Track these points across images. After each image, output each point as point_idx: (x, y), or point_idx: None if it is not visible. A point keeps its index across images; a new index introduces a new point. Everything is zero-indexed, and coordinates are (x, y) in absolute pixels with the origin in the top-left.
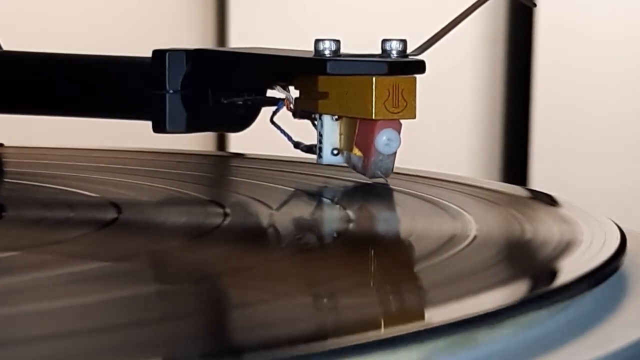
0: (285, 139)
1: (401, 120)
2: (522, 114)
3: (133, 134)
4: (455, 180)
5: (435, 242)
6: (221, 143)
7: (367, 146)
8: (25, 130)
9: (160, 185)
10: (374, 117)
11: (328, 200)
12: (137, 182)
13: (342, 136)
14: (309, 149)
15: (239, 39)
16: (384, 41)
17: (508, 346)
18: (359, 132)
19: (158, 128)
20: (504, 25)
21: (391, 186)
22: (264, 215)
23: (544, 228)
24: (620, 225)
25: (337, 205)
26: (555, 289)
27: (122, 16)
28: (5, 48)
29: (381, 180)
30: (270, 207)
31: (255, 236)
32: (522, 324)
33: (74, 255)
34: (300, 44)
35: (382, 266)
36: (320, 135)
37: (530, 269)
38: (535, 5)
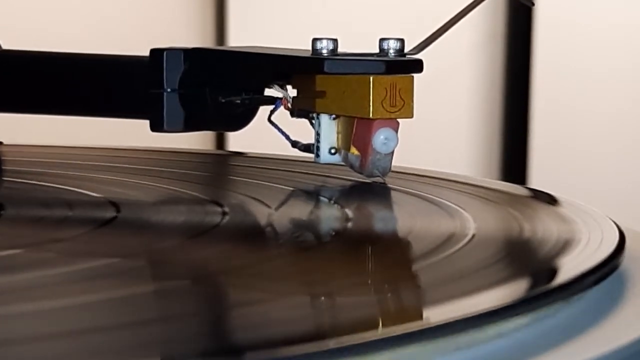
0: (283, 138)
1: (399, 119)
2: (521, 112)
3: (131, 133)
4: (454, 179)
5: (434, 241)
6: (220, 142)
7: (364, 145)
8: (24, 128)
9: (158, 184)
10: (371, 116)
11: (326, 200)
12: (135, 181)
13: (340, 135)
14: (306, 148)
15: (238, 38)
16: (381, 40)
17: (506, 346)
18: (357, 131)
19: (156, 127)
20: (502, 24)
21: (389, 185)
22: (263, 215)
23: (543, 227)
24: (619, 224)
25: (335, 205)
26: (554, 288)
27: (121, 15)
28: (4, 47)
29: (379, 179)
30: (268, 206)
31: (254, 235)
32: (520, 324)
33: (72, 254)
34: (298, 43)
35: (381, 265)
36: (317, 134)
37: (529, 268)
38: (533, 4)
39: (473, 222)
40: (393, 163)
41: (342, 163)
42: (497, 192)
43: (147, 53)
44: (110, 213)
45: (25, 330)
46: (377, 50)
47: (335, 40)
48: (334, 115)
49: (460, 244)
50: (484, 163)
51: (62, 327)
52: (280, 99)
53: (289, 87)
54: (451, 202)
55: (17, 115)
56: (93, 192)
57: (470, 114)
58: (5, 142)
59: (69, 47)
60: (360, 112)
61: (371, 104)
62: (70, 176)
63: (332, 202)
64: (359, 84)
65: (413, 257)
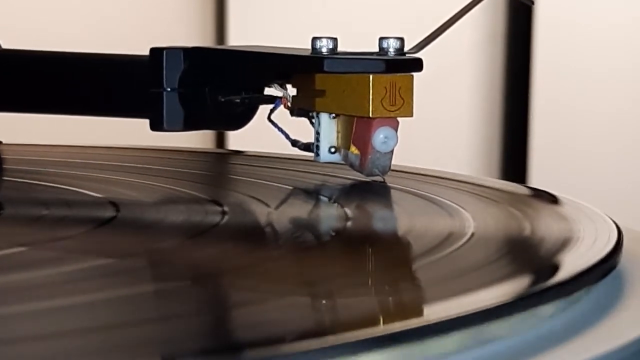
0: (283, 137)
1: (398, 118)
2: (521, 112)
3: (131, 132)
4: (453, 177)
5: (433, 240)
6: (219, 141)
7: (364, 144)
8: (23, 128)
9: (158, 184)
10: (371, 115)
11: (326, 199)
12: (135, 180)
13: (340, 134)
14: (306, 147)
15: (238, 38)
16: (381, 39)
17: (505, 345)
18: (356, 130)
19: (155, 126)
20: (502, 24)
21: (388, 184)
22: (262, 214)
23: (542, 226)
24: (618, 223)
25: (335, 204)
26: (553, 287)
27: (121, 15)
28: (4, 47)
29: (378, 178)
30: (268, 206)
31: (253, 235)
32: (519, 322)
33: (71, 253)
34: (298, 43)
35: (380, 264)
36: (317, 133)
37: (528, 266)
38: (533, 3)
39: (472, 221)
40: (393, 162)
41: (342, 162)
42: (496, 190)
43: (147, 53)
44: (109, 212)
45: (25, 330)
46: (376, 49)
47: (334, 39)
48: (333, 114)
49: (460, 243)
50: (484, 162)
51: (62, 327)
52: (280, 98)
53: (288, 86)
54: (450, 201)
55: (17, 115)
56: (92, 191)
57: (471, 114)
58: (5, 142)
59: (69, 47)
60: (360, 111)
61: (371, 102)
62: (69, 176)
63: (331, 201)
64: (359, 82)
65: (413, 256)
